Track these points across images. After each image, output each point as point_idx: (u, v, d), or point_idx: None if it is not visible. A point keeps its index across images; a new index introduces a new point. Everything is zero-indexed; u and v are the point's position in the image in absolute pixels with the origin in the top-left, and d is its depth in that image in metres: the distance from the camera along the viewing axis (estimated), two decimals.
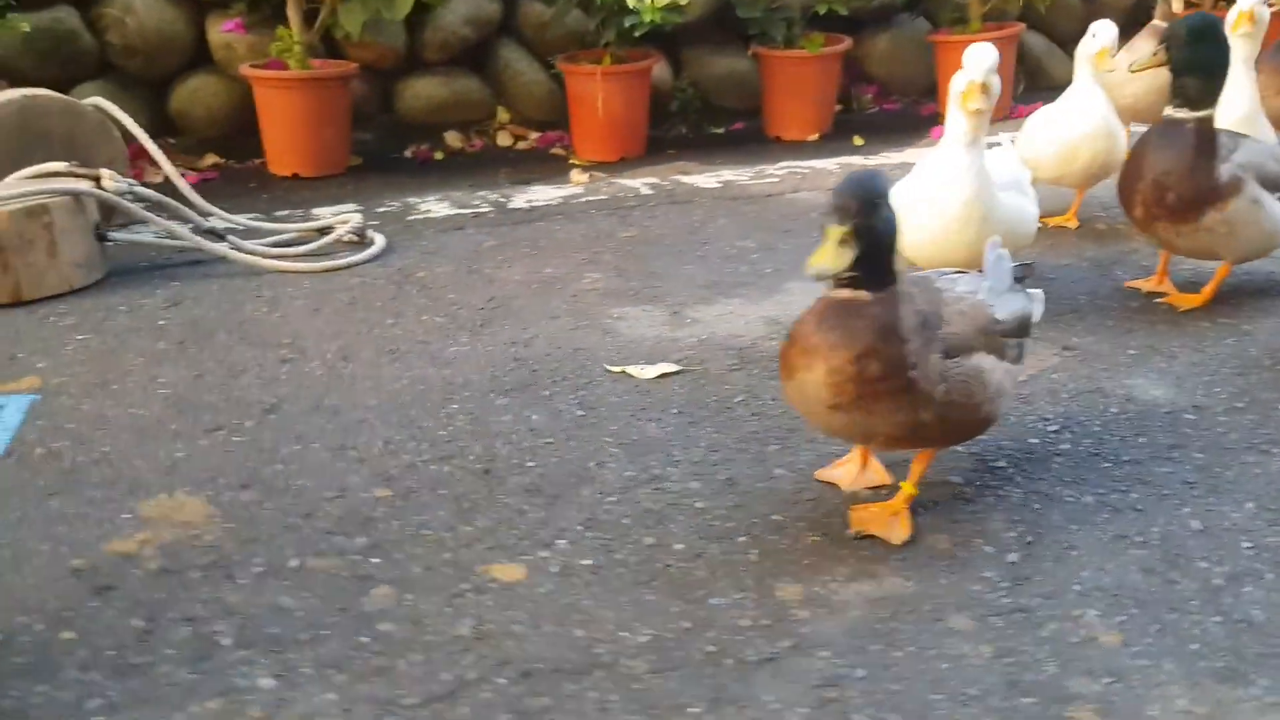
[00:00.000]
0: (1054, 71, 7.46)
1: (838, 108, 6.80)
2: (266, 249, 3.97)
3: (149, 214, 3.80)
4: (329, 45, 5.63)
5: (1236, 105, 4.02)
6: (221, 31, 5.39)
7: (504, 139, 6.05)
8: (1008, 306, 2.39)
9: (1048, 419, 2.79)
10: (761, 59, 6.11)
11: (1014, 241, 3.33)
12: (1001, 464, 2.58)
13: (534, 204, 4.83)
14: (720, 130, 6.38)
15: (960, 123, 3.16)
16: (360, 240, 4.17)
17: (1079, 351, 3.19)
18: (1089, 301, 3.57)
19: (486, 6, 5.82)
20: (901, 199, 3.25)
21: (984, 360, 2.23)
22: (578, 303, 3.61)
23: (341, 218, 4.26)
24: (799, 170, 5.38)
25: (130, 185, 3.83)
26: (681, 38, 6.36)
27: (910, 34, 6.69)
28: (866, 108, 6.83)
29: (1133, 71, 3.55)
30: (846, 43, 6.19)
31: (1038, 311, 2.54)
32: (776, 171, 5.39)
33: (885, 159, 5.58)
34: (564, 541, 2.26)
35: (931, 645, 1.96)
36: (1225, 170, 3.26)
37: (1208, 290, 3.53)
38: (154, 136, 5.39)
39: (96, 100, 4.22)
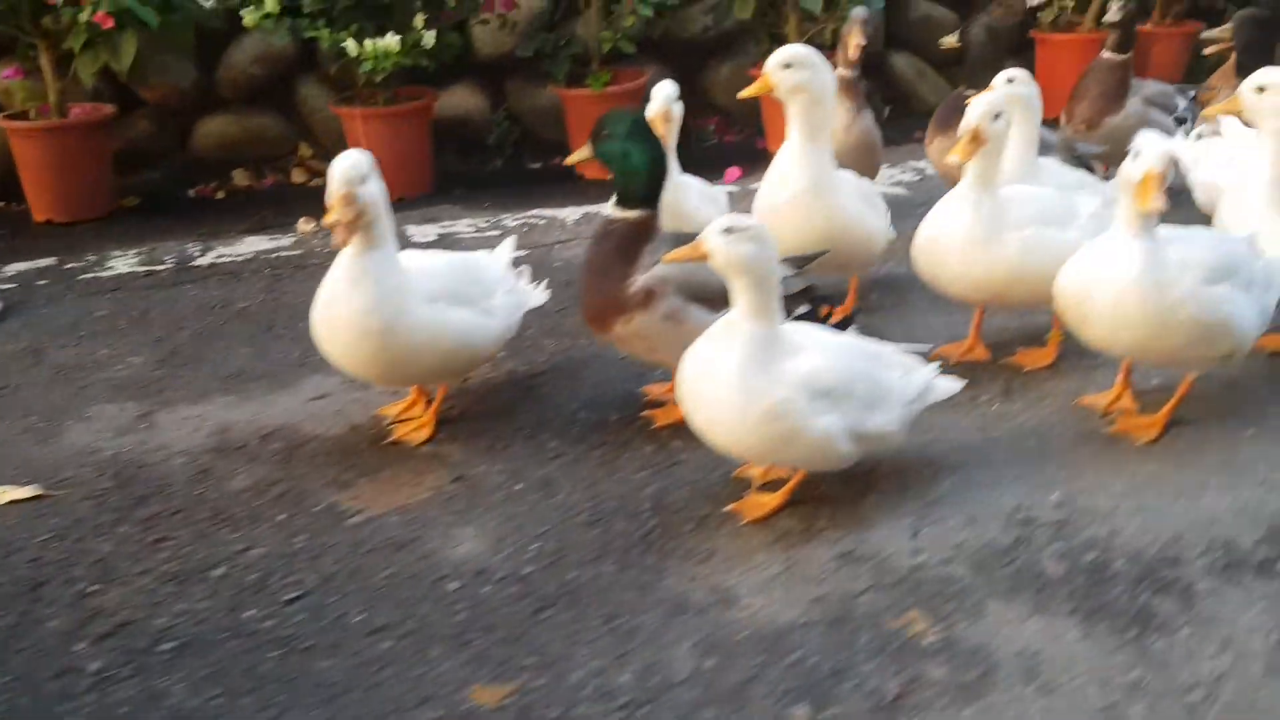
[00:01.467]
0: (926, 97, 6.82)
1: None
2: None
3: None
4: (119, 88, 5.74)
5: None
6: (1, 78, 5.58)
7: (299, 175, 6.02)
8: None
9: (300, 584, 2.52)
10: (560, 96, 5.84)
11: (451, 362, 3.05)
12: (164, 647, 2.36)
13: (220, 260, 4.76)
14: (538, 165, 6.14)
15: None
16: None
17: (467, 482, 2.88)
18: (583, 416, 3.23)
19: (276, 45, 5.75)
20: None
21: None
22: (75, 395, 3.52)
23: None
24: (537, 220, 5.09)
25: None
26: (506, 69, 6.15)
27: (754, 64, 6.22)
28: (708, 139, 6.42)
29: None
30: (642, 79, 5.81)
31: None
32: (513, 221, 5.13)
33: None
34: None
35: None
36: (640, 281, 2.87)
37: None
38: None
39: None
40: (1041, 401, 3.18)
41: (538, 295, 3.46)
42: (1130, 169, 2.77)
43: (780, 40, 6.02)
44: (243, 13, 5.07)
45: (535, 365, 3.58)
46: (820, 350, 2.54)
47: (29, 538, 2.77)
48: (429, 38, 5.15)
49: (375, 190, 2.86)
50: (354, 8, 5.10)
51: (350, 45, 5.02)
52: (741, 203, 4.65)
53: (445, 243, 4.86)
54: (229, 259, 4.78)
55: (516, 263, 3.50)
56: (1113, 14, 4.65)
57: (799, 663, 2.18)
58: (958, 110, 3.93)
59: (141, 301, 4.32)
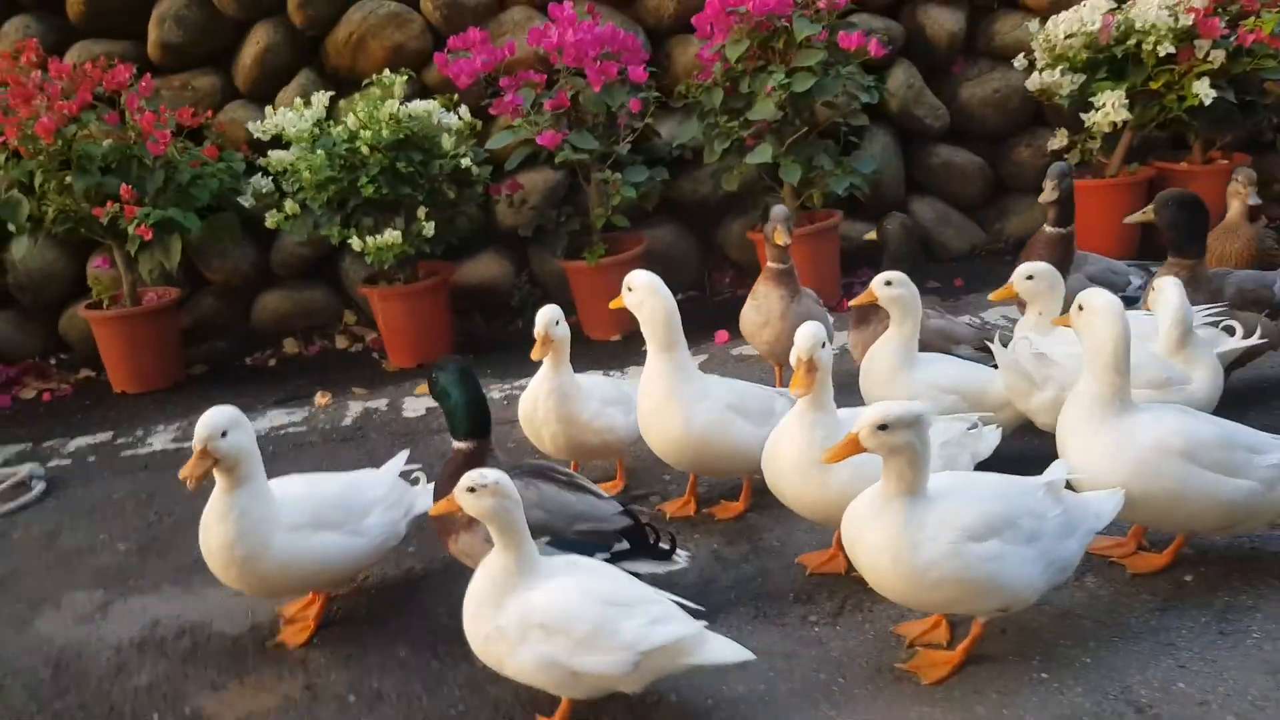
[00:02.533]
0: (949, 242, 6.92)
1: (689, 293, 6.82)
2: None
3: None
4: (191, 270, 6.61)
5: None
6: (92, 268, 6.52)
7: (342, 341, 6.72)
8: None
9: None
10: (564, 267, 6.32)
11: (315, 580, 3.52)
12: None
13: (259, 430, 5.39)
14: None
15: None
16: (27, 487, 5.03)
17: (313, 691, 3.28)
18: (445, 622, 3.62)
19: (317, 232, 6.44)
20: None
21: None
22: (63, 581, 4.16)
23: (23, 469, 5.15)
24: (519, 390, 5.54)
25: None
26: (527, 238, 6.68)
27: (753, 225, 6.52)
28: (723, 293, 6.76)
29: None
30: (639, 247, 6.22)
31: None
32: (499, 392, 5.59)
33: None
34: None
35: None
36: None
37: None
38: (47, 355, 6.76)
39: None
40: (864, 625, 3.32)
41: (428, 499, 3.89)
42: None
43: (778, 200, 6.34)
44: (266, 215, 5.81)
45: (432, 563, 4.00)
46: (551, 588, 2.84)
47: None
48: (429, 229, 5.74)
49: (237, 441, 3.35)
50: (361, 206, 5.75)
51: (354, 241, 5.66)
52: None
53: (432, 415, 5.38)
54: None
55: (412, 472, 3.96)
56: (1047, 194, 4.72)
57: None
58: (875, 307, 4.18)
59: (154, 483, 5.00)
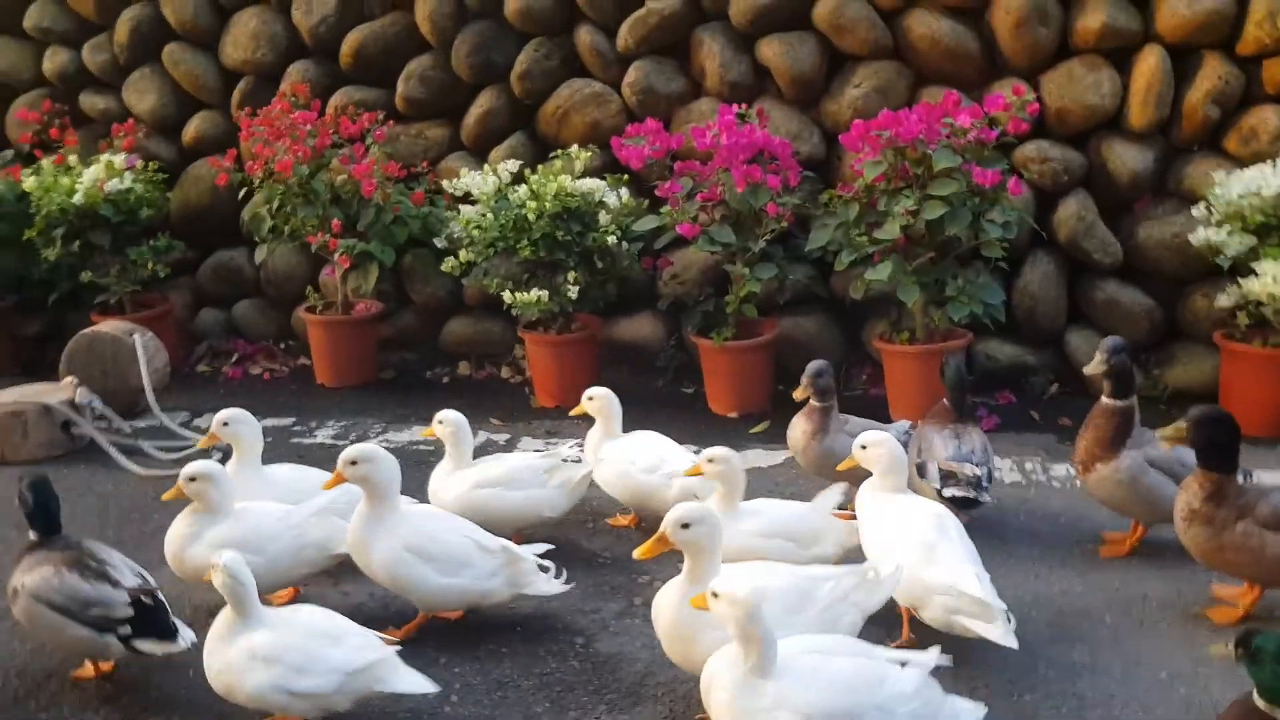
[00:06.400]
0: None
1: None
2: (156, 455, 6.20)
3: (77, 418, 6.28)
4: (400, 290, 7.71)
5: None
6: (323, 276, 7.72)
7: (506, 372, 7.57)
8: None
9: None
10: (695, 343, 6.83)
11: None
12: None
13: (395, 444, 6.36)
14: (690, 390, 7.13)
15: None
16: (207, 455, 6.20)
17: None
18: None
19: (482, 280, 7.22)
20: None
21: None
22: (155, 532, 5.15)
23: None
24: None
25: (90, 399, 6.32)
26: (682, 308, 7.24)
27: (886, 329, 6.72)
28: (855, 388, 7.00)
29: None
30: (766, 336, 6.62)
31: None
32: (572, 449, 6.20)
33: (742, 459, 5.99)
34: None
35: None
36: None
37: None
38: (279, 340, 8.07)
39: (136, 338, 6.75)
40: None
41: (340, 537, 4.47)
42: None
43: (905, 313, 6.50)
44: (445, 259, 6.76)
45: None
46: (270, 626, 3.60)
47: None
48: (574, 292, 6.46)
49: (203, 488, 4.34)
50: (521, 263, 6.56)
51: (505, 295, 6.48)
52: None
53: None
54: (401, 443, 6.37)
55: None
56: (1095, 365, 4.70)
57: None
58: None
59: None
